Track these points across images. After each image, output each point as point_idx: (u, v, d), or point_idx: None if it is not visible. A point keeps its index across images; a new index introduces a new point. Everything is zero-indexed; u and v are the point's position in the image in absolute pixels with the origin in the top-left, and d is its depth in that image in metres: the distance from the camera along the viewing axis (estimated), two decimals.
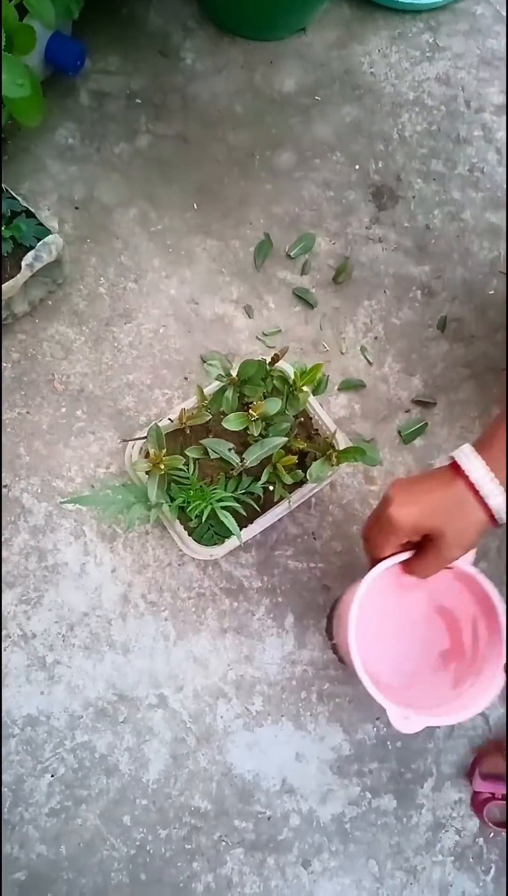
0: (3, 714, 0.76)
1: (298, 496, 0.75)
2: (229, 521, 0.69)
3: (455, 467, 0.61)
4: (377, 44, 1.02)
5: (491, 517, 0.60)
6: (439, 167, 0.97)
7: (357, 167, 0.97)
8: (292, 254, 0.92)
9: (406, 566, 0.65)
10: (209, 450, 0.70)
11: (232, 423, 0.67)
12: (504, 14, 1.05)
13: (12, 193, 0.79)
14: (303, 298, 0.91)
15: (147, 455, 0.73)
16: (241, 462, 0.70)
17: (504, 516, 0.59)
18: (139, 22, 0.99)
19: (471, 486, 0.59)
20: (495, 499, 0.58)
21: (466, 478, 0.59)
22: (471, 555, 0.65)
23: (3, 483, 0.82)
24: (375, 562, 0.65)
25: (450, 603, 0.72)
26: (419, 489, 0.62)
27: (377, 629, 0.73)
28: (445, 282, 0.93)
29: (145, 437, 0.72)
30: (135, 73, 0.97)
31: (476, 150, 0.99)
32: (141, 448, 0.75)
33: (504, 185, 0.97)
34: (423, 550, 0.63)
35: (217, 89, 0.98)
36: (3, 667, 0.77)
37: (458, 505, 0.60)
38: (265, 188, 0.94)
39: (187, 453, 0.69)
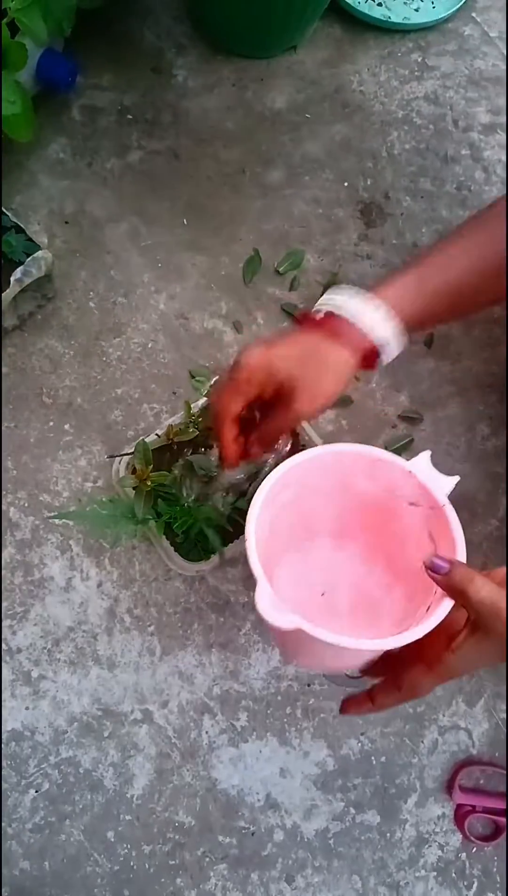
0: None
1: None
2: (214, 538, 0.69)
3: (317, 322, 0.59)
4: (367, 63, 1.03)
5: (365, 357, 0.58)
6: (427, 185, 0.99)
7: (346, 184, 0.97)
8: (281, 270, 0.93)
9: (255, 437, 0.60)
10: (195, 465, 0.70)
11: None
12: (493, 35, 1.06)
13: (2, 209, 0.80)
14: (292, 314, 0.91)
15: (134, 470, 0.73)
16: (227, 479, 0.70)
17: (392, 348, 0.58)
18: (132, 38, 1.00)
19: (338, 328, 0.57)
20: (381, 329, 0.57)
21: (331, 321, 0.57)
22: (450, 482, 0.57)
23: None
24: (219, 424, 0.58)
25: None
26: (273, 341, 0.58)
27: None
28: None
29: (132, 453, 0.73)
30: (127, 89, 0.98)
31: (464, 169, 1.00)
32: (128, 463, 0.76)
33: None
34: (273, 409, 0.58)
35: (209, 106, 0.99)
36: None
37: (316, 349, 0.57)
38: (255, 204, 0.95)
39: (174, 469, 0.70)
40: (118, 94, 0.98)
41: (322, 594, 0.66)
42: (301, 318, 0.60)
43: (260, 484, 0.55)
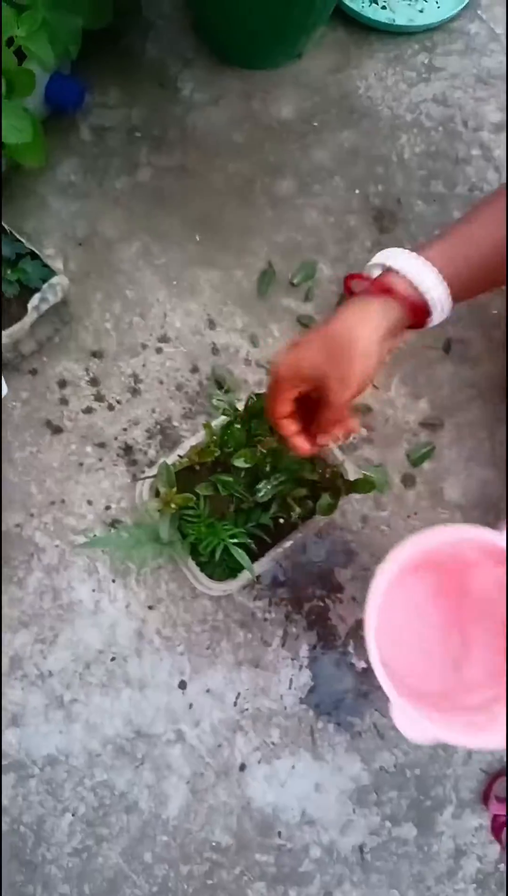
0: (23, 754, 0.77)
1: (308, 527, 0.76)
2: (243, 558, 0.69)
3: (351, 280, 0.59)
4: (373, 67, 1.02)
5: (416, 313, 0.57)
6: (439, 188, 0.97)
7: (357, 191, 0.97)
8: (295, 281, 0.92)
9: (313, 431, 0.61)
10: (219, 485, 0.70)
11: (241, 461, 0.67)
12: (499, 32, 1.05)
13: (16, 235, 0.80)
14: (307, 326, 0.91)
15: (157, 492, 0.73)
16: (251, 497, 0.70)
17: (445, 306, 0.57)
18: (137, 54, 1.00)
19: (392, 285, 0.56)
20: (436, 290, 0.56)
21: (386, 278, 0.56)
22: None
23: (16, 522, 0.82)
24: (276, 427, 0.61)
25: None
26: (300, 340, 0.58)
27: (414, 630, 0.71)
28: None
29: (155, 476, 0.73)
30: (134, 105, 0.98)
31: (476, 170, 0.98)
32: (151, 485, 0.76)
33: None
34: (317, 403, 0.59)
35: (216, 119, 0.98)
36: (22, 707, 0.78)
37: (339, 336, 0.56)
38: (267, 216, 0.95)
39: (198, 491, 0.69)
40: (126, 111, 0.98)
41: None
42: (349, 279, 0.60)
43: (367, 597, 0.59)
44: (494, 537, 0.65)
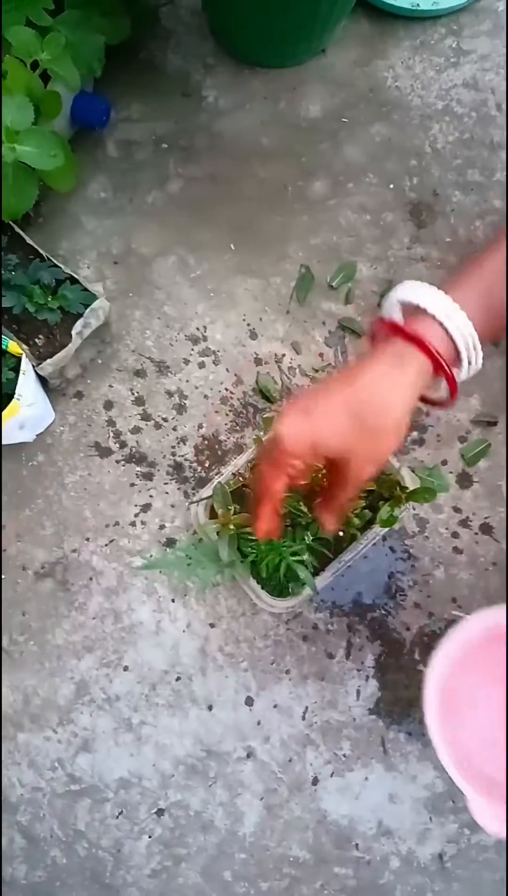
0: (96, 778, 0.77)
1: (368, 538, 0.74)
2: (305, 575, 0.68)
3: (381, 329, 0.48)
4: (399, 56, 1.00)
5: (443, 369, 0.47)
6: (476, 176, 0.95)
7: (392, 186, 0.94)
8: (334, 284, 0.90)
9: (320, 507, 0.52)
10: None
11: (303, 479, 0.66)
12: None
13: (54, 261, 0.80)
14: (350, 329, 0.89)
15: (212, 511, 0.73)
16: (311, 513, 0.69)
17: (476, 356, 0.48)
18: (158, 64, 0.99)
19: (405, 334, 0.47)
20: (465, 328, 0.46)
21: (415, 323, 0.47)
22: None
23: (73, 547, 0.82)
24: (258, 501, 0.51)
25: None
26: (314, 398, 0.47)
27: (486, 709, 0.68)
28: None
29: (210, 497, 0.72)
30: (159, 117, 0.97)
31: None
32: (206, 505, 0.75)
33: None
34: (331, 476, 0.50)
35: (243, 124, 0.97)
36: (92, 731, 0.78)
37: (363, 406, 0.46)
38: (301, 220, 0.93)
39: None
40: (151, 123, 0.96)
41: None
42: (377, 326, 0.51)
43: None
44: None
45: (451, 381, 0.48)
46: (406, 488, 0.72)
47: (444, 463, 0.86)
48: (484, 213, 0.93)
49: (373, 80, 0.98)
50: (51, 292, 0.77)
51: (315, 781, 0.78)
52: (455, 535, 0.83)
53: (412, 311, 0.48)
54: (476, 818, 0.55)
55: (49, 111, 0.79)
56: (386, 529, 0.76)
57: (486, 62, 0.99)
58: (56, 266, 0.79)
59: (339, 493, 0.50)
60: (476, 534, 0.83)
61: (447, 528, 0.84)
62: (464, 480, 0.85)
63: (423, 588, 0.82)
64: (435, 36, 1.01)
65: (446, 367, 0.47)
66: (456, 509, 0.84)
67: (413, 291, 0.48)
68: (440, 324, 0.47)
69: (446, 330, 0.47)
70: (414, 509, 0.84)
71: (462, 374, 0.50)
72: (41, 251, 0.81)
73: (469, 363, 0.49)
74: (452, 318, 0.47)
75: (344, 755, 0.78)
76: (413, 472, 0.78)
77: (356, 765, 0.78)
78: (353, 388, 0.47)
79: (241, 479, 0.72)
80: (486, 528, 0.84)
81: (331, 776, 0.78)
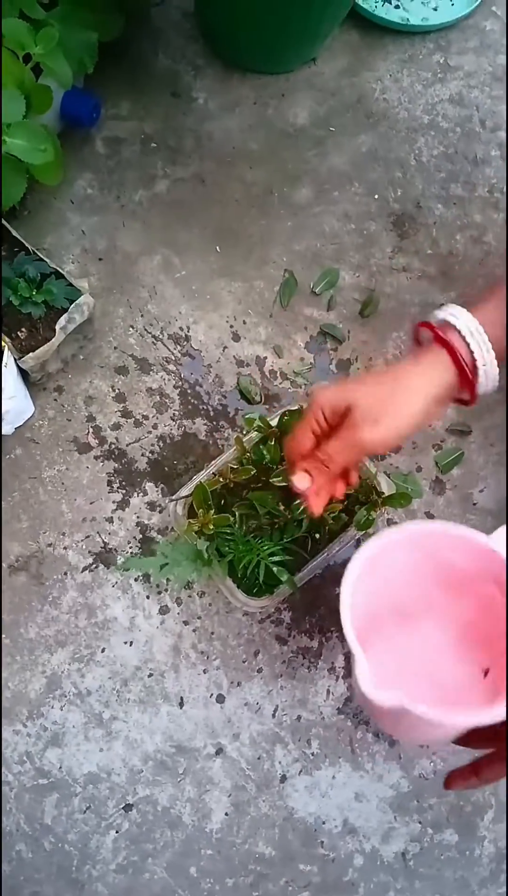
0: (65, 773, 0.77)
1: (342, 540, 0.76)
2: (284, 574, 0.69)
3: (423, 326, 0.59)
4: (387, 68, 1.01)
5: (466, 381, 0.57)
6: (458, 190, 0.97)
7: (376, 196, 0.96)
8: (316, 290, 0.92)
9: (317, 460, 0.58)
10: (256, 505, 0.70)
11: (282, 479, 0.67)
12: None
13: (39, 255, 0.80)
14: (331, 335, 0.90)
15: (191, 510, 0.74)
16: (289, 514, 0.70)
17: (494, 376, 0.57)
18: (148, 64, 0.99)
19: (447, 344, 0.56)
20: (488, 354, 0.56)
21: (440, 335, 0.56)
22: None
23: (48, 542, 0.82)
24: (289, 460, 0.60)
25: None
26: (348, 382, 0.58)
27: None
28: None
29: (190, 495, 0.73)
30: (148, 116, 0.97)
31: (495, 170, 0.98)
32: (184, 503, 0.76)
33: None
34: (335, 440, 0.57)
35: (231, 127, 0.98)
36: (62, 726, 0.78)
37: (394, 382, 0.56)
38: (286, 225, 0.94)
39: (236, 510, 0.69)
40: (139, 122, 0.97)
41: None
42: (418, 327, 0.61)
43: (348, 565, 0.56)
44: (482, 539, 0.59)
45: (471, 387, 0.57)
46: (383, 493, 0.74)
47: (419, 469, 0.87)
48: (466, 226, 0.96)
49: (361, 91, 1.00)
50: (36, 286, 0.77)
51: (283, 779, 0.79)
52: None
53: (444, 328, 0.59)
54: (358, 680, 0.52)
55: (40, 105, 0.79)
56: (362, 532, 0.77)
57: (472, 79, 1.02)
58: (41, 260, 0.80)
59: (333, 443, 0.57)
60: None
61: None
62: (438, 487, 0.87)
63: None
64: (423, 51, 1.03)
65: (467, 372, 0.57)
66: (429, 515, 0.86)
67: (447, 311, 0.58)
68: (464, 338, 0.56)
69: (468, 344, 0.56)
70: (388, 514, 0.85)
71: (479, 387, 0.58)
72: (26, 244, 0.81)
73: (487, 376, 0.57)
74: (474, 335, 0.56)
75: (313, 754, 0.79)
76: (389, 477, 0.79)
77: (324, 763, 0.79)
78: (388, 373, 0.57)
79: (221, 479, 0.73)
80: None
81: (299, 774, 0.79)
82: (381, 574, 0.60)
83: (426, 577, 0.64)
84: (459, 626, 0.66)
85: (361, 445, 0.56)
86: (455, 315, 0.57)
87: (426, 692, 0.64)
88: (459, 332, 0.56)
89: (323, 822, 0.78)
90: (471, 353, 0.56)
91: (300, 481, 0.58)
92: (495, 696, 0.55)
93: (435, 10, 1.02)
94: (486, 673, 0.61)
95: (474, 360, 0.56)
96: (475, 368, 0.57)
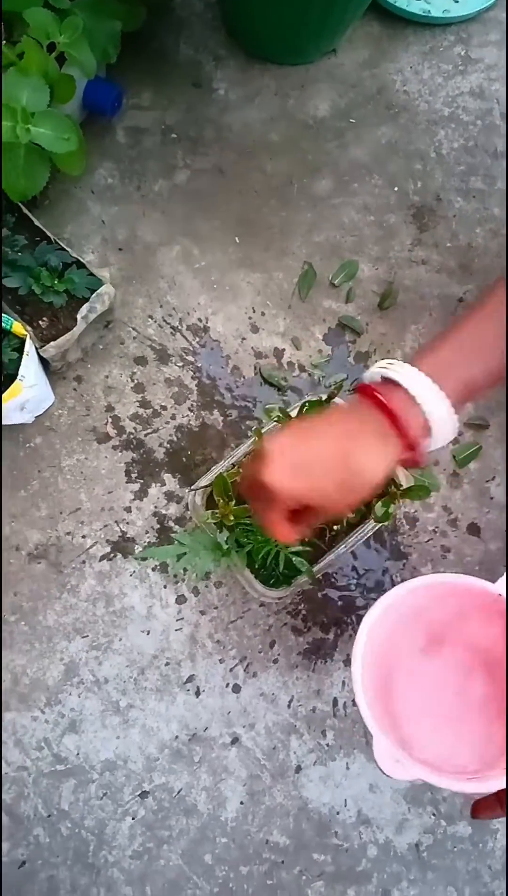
0: (82, 759, 0.78)
1: (361, 533, 0.76)
2: (303, 565, 0.70)
3: (365, 394, 0.52)
4: (408, 60, 1.01)
5: (412, 447, 0.51)
6: (478, 184, 0.97)
7: (396, 189, 0.96)
8: (335, 282, 0.92)
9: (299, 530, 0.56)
10: None
11: None
12: None
13: (61, 244, 0.80)
14: (350, 327, 0.90)
15: (209, 500, 0.74)
16: None
17: (448, 431, 0.52)
18: (169, 54, 0.99)
19: (388, 413, 0.51)
20: (438, 409, 0.51)
21: (384, 403, 0.51)
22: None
23: (67, 530, 0.83)
24: (266, 526, 0.55)
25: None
26: (301, 450, 0.51)
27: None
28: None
29: (209, 485, 0.73)
30: (169, 106, 0.97)
31: None
32: (203, 494, 0.76)
33: None
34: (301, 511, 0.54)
35: (251, 118, 0.97)
36: (79, 713, 0.79)
37: (356, 457, 0.50)
38: (305, 216, 0.94)
39: None
40: (160, 112, 0.97)
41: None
42: (361, 390, 0.55)
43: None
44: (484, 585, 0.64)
45: (420, 458, 0.53)
46: (401, 486, 0.74)
47: (436, 464, 0.87)
48: (485, 220, 0.95)
49: (381, 83, 1.00)
50: (57, 275, 0.78)
51: (298, 769, 0.79)
52: (443, 534, 0.85)
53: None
54: (377, 761, 0.56)
55: (63, 95, 0.79)
56: (379, 525, 0.77)
57: (493, 72, 1.01)
58: (63, 249, 0.80)
59: (309, 522, 0.55)
60: (464, 534, 0.85)
61: (436, 528, 0.85)
62: (455, 481, 0.87)
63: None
64: (444, 43, 1.02)
65: (419, 449, 0.52)
66: (446, 509, 0.86)
67: (395, 371, 0.52)
68: (419, 405, 0.51)
69: (423, 411, 0.51)
70: (406, 508, 0.86)
71: (432, 445, 0.54)
72: (48, 234, 0.81)
73: (441, 438, 0.53)
74: (429, 400, 0.51)
75: (327, 744, 0.80)
76: (407, 471, 0.79)
77: (339, 754, 0.80)
78: (344, 454, 0.50)
79: (240, 470, 0.73)
80: (474, 529, 0.85)
81: (314, 765, 0.79)
82: (387, 638, 0.67)
83: (437, 627, 0.71)
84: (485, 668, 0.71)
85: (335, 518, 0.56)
86: (407, 377, 0.51)
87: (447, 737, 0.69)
88: (415, 401, 0.51)
89: (337, 813, 0.79)
90: (426, 420, 0.51)
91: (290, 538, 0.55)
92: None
93: (457, 1, 1.01)
94: None
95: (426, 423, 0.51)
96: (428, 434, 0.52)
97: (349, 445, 0.51)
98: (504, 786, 0.56)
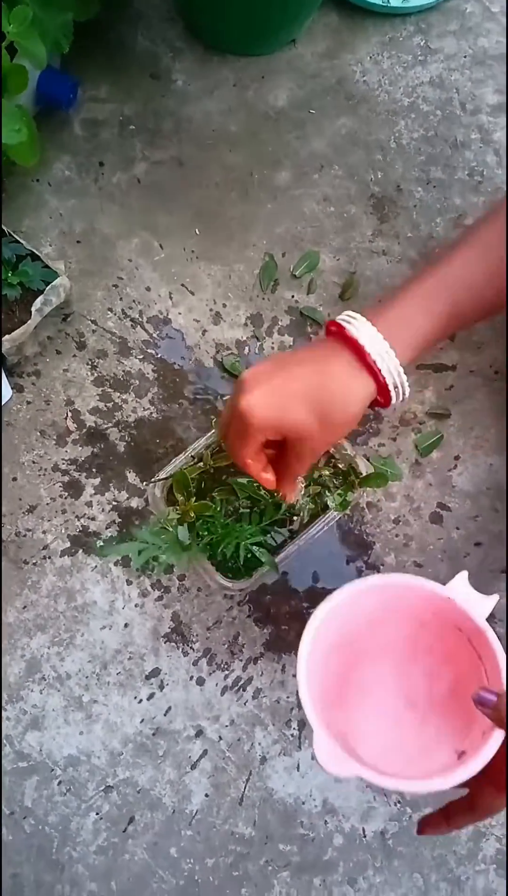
0: (45, 756, 0.77)
1: (323, 522, 0.76)
2: (265, 556, 0.70)
3: (335, 336, 0.54)
4: (368, 50, 1.01)
5: (381, 389, 0.54)
6: (438, 174, 0.97)
7: (356, 179, 0.96)
8: (297, 273, 0.92)
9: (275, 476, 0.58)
10: (237, 489, 0.70)
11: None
12: (495, 11, 1.03)
13: (15, 237, 0.79)
14: (311, 318, 0.90)
15: (170, 493, 0.74)
16: (271, 498, 0.70)
17: (402, 387, 0.54)
18: (127, 46, 0.98)
19: (358, 352, 0.52)
20: (390, 362, 0.52)
21: (353, 344, 0.52)
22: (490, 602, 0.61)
23: (27, 526, 0.82)
24: (242, 465, 0.57)
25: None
26: (279, 376, 0.52)
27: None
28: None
29: (168, 478, 0.73)
30: (126, 98, 0.96)
31: (475, 154, 0.98)
32: (162, 487, 0.76)
33: (505, 188, 0.97)
34: (284, 450, 0.55)
35: (210, 109, 0.97)
36: (41, 709, 0.78)
37: (331, 383, 0.52)
38: (266, 208, 0.94)
39: (216, 496, 0.69)
40: (118, 104, 0.96)
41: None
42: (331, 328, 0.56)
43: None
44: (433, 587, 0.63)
45: (385, 404, 0.56)
46: (360, 474, 0.74)
47: (398, 453, 0.88)
48: (445, 209, 0.96)
49: (341, 73, 1.00)
50: (11, 268, 0.77)
51: (263, 760, 0.79)
52: (406, 523, 0.85)
53: None
54: (317, 756, 0.56)
55: (15, 86, 0.78)
56: (340, 514, 0.77)
57: (452, 62, 1.01)
58: (17, 242, 0.79)
59: (292, 468, 0.56)
60: (427, 522, 0.86)
61: (399, 517, 0.86)
62: (417, 470, 0.87)
63: (376, 573, 0.84)
64: (404, 33, 1.02)
65: (387, 389, 0.54)
66: (409, 498, 0.86)
67: (355, 327, 0.54)
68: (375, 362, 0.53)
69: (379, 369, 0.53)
70: (369, 497, 0.86)
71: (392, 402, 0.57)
72: (3, 227, 0.80)
73: (398, 396, 0.56)
74: (384, 358, 0.53)
75: (292, 735, 0.80)
76: (368, 460, 0.79)
77: (304, 745, 0.80)
78: (321, 379, 0.52)
79: (201, 464, 0.73)
80: (436, 517, 0.86)
81: (279, 755, 0.79)
82: (339, 634, 0.66)
83: (391, 628, 0.70)
84: (431, 674, 0.70)
85: (314, 459, 0.56)
86: (365, 335, 0.53)
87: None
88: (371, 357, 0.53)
89: (303, 803, 0.79)
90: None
91: (268, 480, 0.58)
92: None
93: None
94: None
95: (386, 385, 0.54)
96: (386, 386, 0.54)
97: (325, 372, 0.52)
98: (444, 788, 0.56)
